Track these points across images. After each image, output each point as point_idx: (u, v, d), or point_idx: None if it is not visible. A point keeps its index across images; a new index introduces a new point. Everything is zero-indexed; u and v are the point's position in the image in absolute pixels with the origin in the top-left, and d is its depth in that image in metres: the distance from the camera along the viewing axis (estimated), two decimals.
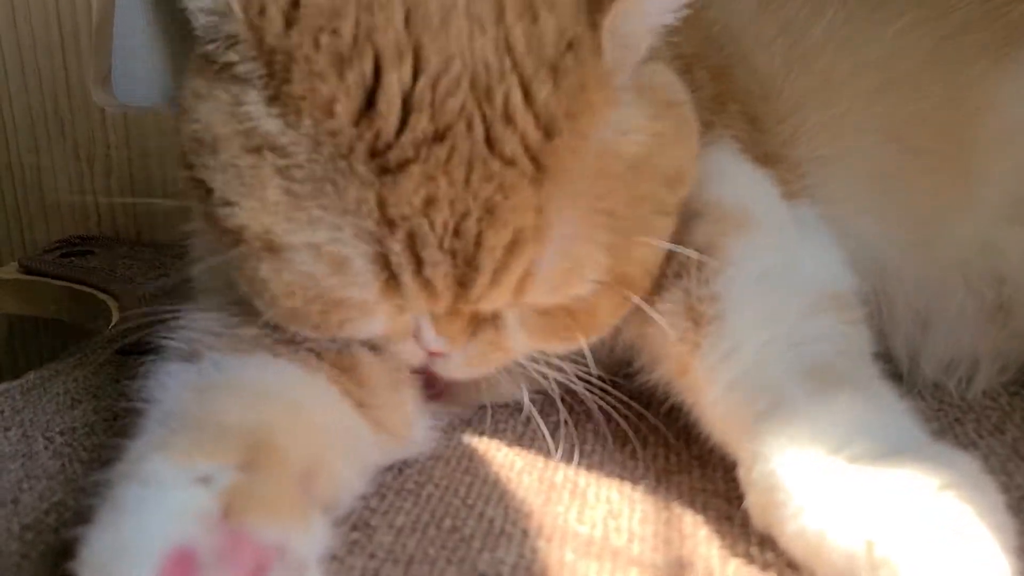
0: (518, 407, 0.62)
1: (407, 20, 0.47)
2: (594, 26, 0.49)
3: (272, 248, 0.48)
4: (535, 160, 0.47)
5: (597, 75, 0.49)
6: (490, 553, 0.49)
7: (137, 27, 1.25)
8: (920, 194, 0.67)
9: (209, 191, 0.49)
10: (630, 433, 0.58)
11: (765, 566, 0.47)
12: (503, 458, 0.59)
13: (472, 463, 0.59)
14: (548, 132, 0.47)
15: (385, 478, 0.57)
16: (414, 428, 0.59)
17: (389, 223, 0.46)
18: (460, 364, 0.55)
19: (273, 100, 0.47)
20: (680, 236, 0.56)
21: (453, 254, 0.47)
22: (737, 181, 0.61)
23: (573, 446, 0.59)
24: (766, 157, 0.63)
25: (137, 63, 1.27)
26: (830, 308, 0.55)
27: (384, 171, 0.46)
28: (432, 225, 0.46)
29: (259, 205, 0.47)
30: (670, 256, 0.56)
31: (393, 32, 0.46)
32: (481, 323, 0.53)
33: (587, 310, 0.53)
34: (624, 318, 0.58)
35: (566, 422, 0.59)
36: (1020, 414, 0.65)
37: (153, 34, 1.22)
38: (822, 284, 0.57)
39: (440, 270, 0.47)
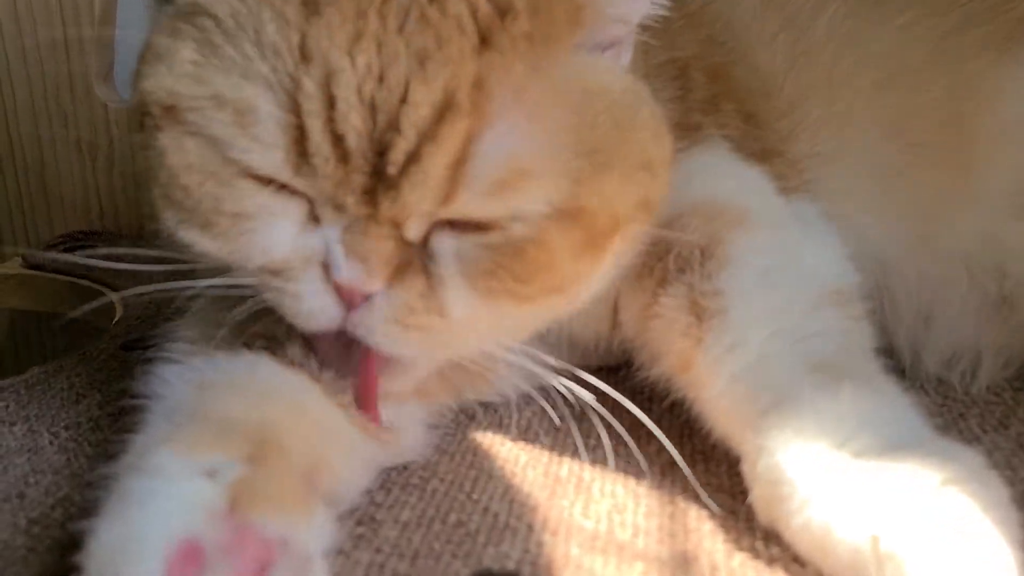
0: (523, 400, 0.62)
1: None
2: None
3: (173, 112, 0.46)
4: (482, 33, 0.45)
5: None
6: (495, 548, 0.49)
7: (139, 23, 1.24)
8: (922, 189, 0.68)
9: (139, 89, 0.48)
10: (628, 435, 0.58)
11: (770, 560, 0.48)
12: (507, 453, 0.60)
13: (477, 458, 0.59)
14: (501, 10, 0.45)
15: (390, 473, 0.57)
16: (404, 436, 0.58)
17: (306, 58, 0.43)
18: (384, 320, 0.46)
19: None
20: (676, 234, 0.56)
21: (373, 108, 0.43)
22: (729, 179, 0.61)
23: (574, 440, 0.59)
24: (763, 153, 0.63)
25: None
26: (833, 303, 0.55)
27: (314, 12, 0.44)
28: (353, 63, 0.43)
29: (166, 70, 0.46)
30: (671, 251, 0.56)
31: None
32: (408, 266, 0.46)
33: (540, 245, 0.46)
34: (625, 315, 0.58)
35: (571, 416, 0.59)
36: None
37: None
38: (824, 280, 0.57)
39: (354, 121, 0.43)
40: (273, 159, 0.44)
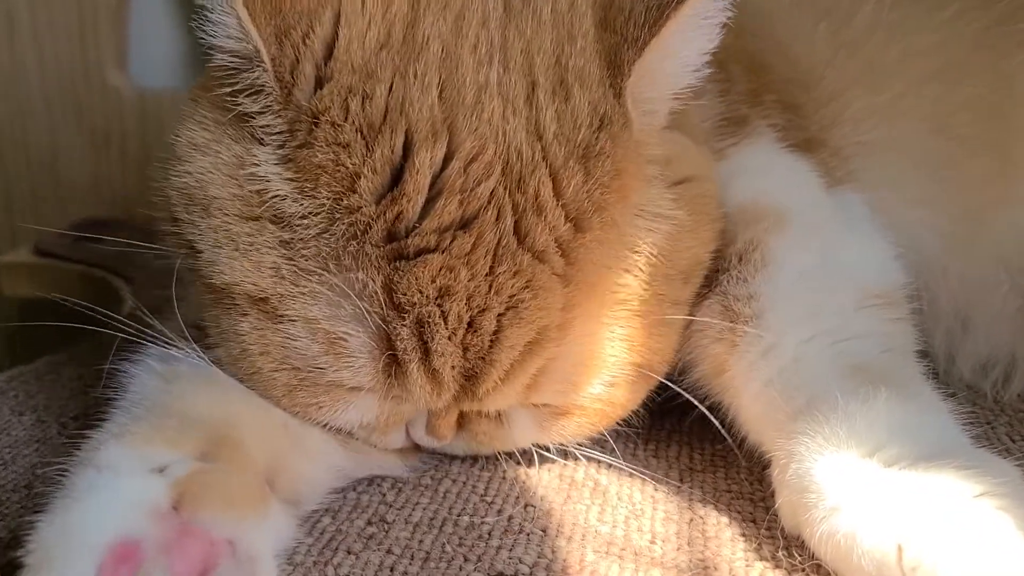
0: None
1: (441, 94, 0.44)
2: (618, 94, 0.47)
3: (263, 309, 0.45)
4: (565, 255, 0.45)
5: (629, 153, 0.47)
6: (508, 551, 0.48)
7: (155, 10, 1.24)
8: (965, 185, 0.66)
9: (195, 249, 0.47)
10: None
11: (791, 569, 0.46)
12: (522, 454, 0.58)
13: (490, 459, 0.57)
14: (579, 226, 0.46)
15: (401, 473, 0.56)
16: (383, 456, 0.56)
17: (397, 308, 0.44)
18: (458, 452, 0.54)
19: (287, 161, 0.44)
20: (720, 239, 0.55)
21: (465, 348, 0.45)
22: (774, 176, 0.59)
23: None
24: (807, 143, 0.62)
25: (154, 46, 1.27)
26: (875, 305, 0.54)
27: (399, 256, 0.44)
28: (444, 316, 0.44)
29: (254, 269, 0.45)
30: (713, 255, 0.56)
31: (428, 107, 0.44)
32: (475, 416, 0.51)
33: (603, 401, 0.51)
34: None
35: None
36: None
37: (171, 17, 1.22)
38: (866, 281, 0.55)
39: (448, 362, 0.45)
40: (363, 380, 0.46)
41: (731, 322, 0.53)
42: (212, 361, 0.50)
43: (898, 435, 0.45)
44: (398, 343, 0.44)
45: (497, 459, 0.56)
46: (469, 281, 0.44)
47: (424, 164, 0.43)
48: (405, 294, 0.44)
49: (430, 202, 0.44)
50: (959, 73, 0.66)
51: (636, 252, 0.49)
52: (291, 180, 0.44)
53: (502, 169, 0.44)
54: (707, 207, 0.54)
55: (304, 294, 0.44)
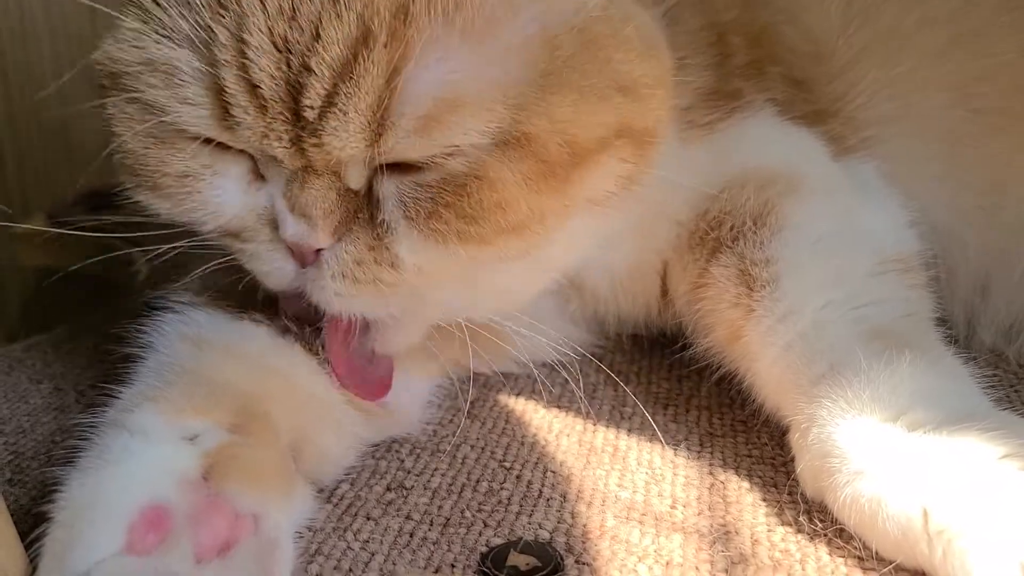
0: (555, 367, 0.60)
1: None
2: None
3: (116, 80, 0.45)
4: None
5: None
6: (528, 517, 0.48)
7: None
8: (986, 157, 0.64)
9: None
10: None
11: (813, 535, 0.46)
12: (540, 420, 0.58)
13: (508, 424, 0.57)
14: None
15: (420, 439, 0.56)
16: (399, 413, 0.56)
17: (221, 7, 0.41)
18: (333, 276, 0.45)
19: None
20: (730, 204, 0.54)
21: (287, 50, 0.41)
22: (780, 144, 0.58)
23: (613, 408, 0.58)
24: (816, 115, 0.61)
25: None
26: (893, 271, 0.53)
27: None
28: (264, 5, 0.41)
29: (112, 40, 0.45)
30: (724, 223, 0.55)
31: None
32: (356, 217, 0.44)
33: (483, 180, 0.43)
34: (675, 289, 0.56)
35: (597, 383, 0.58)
36: None
37: None
38: (883, 247, 0.55)
39: (266, 66, 0.41)
40: (200, 117, 0.43)
41: (748, 287, 0.52)
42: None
43: (922, 399, 0.45)
44: (217, 50, 0.42)
45: (518, 426, 0.56)
46: None
47: None
48: None
49: None
50: (981, 40, 0.64)
51: (533, 6, 0.43)
52: None
53: None
54: (659, 53, 0.49)
55: (150, 37, 0.44)
